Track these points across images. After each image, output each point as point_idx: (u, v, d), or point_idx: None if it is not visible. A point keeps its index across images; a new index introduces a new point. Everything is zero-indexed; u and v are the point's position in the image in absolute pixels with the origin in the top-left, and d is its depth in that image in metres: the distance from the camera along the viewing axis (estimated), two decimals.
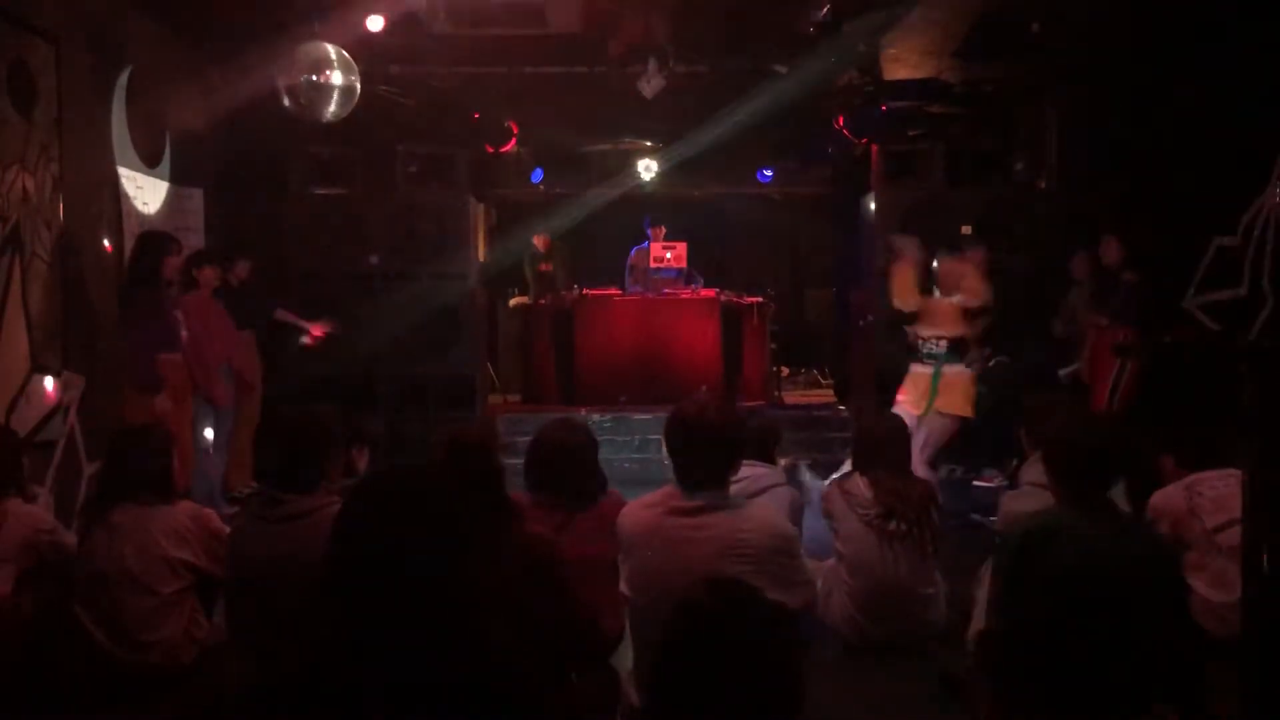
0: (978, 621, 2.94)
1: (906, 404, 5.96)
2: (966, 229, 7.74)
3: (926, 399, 5.94)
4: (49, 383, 5.04)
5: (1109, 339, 6.27)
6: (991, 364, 7.09)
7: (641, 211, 9.70)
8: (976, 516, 6.03)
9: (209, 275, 6.18)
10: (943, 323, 6.04)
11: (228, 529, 3.44)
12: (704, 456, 2.72)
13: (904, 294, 6.10)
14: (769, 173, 11.09)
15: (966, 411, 5.93)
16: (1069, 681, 2.49)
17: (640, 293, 9.03)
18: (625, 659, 3.09)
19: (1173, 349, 5.85)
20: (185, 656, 3.35)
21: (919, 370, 6.05)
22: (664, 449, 2.81)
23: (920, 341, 6.06)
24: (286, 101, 5.78)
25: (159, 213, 6.31)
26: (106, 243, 5.72)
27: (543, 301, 9.22)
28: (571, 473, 3.40)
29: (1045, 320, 7.07)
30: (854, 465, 4.00)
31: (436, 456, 3.17)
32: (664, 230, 9.19)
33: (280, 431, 2.99)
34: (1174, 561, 2.70)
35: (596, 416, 7.63)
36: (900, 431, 4.09)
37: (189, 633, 3.38)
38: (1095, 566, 2.53)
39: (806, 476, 5.83)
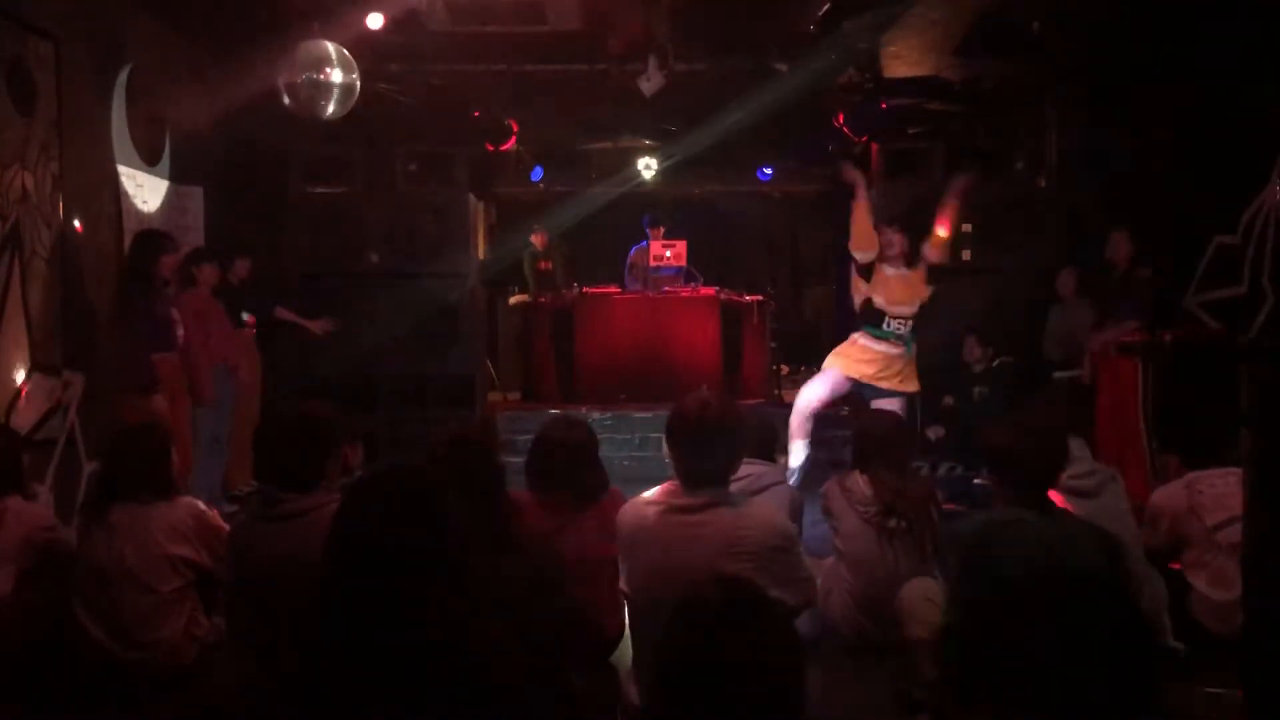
0: (929, 665, 2.98)
1: (873, 378, 5.85)
2: (967, 227, 7.75)
3: (899, 381, 5.89)
4: (49, 381, 5.04)
5: (1117, 339, 6.17)
6: (996, 364, 7.09)
7: (641, 210, 9.70)
8: (956, 508, 6.05)
9: (207, 273, 6.18)
10: (902, 298, 5.89)
11: (227, 526, 3.45)
12: (706, 453, 2.72)
13: (861, 237, 5.84)
14: (769, 171, 11.09)
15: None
16: (1032, 676, 2.51)
17: (640, 291, 9.03)
18: (625, 657, 3.09)
19: (1173, 348, 5.84)
20: (186, 656, 3.34)
21: (887, 350, 5.85)
22: (664, 446, 2.81)
23: (888, 321, 5.85)
24: (287, 100, 5.78)
25: (159, 211, 6.30)
26: (106, 241, 5.72)
27: (542, 300, 9.22)
28: (573, 470, 3.40)
29: (1045, 319, 7.05)
30: (853, 463, 4.00)
31: (437, 455, 3.17)
32: (663, 230, 9.19)
33: (280, 430, 2.99)
34: (1119, 550, 2.75)
35: (596, 414, 7.63)
36: (900, 430, 4.09)
37: (189, 632, 3.37)
38: (1045, 557, 2.61)
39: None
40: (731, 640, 1.69)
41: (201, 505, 3.56)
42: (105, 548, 3.29)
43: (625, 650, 3.12)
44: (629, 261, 9.41)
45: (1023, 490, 2.82)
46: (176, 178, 6.52)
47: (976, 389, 7.20)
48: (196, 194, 6.78)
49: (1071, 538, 2.69)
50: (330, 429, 2.99)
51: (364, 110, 6.24)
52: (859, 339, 5.95)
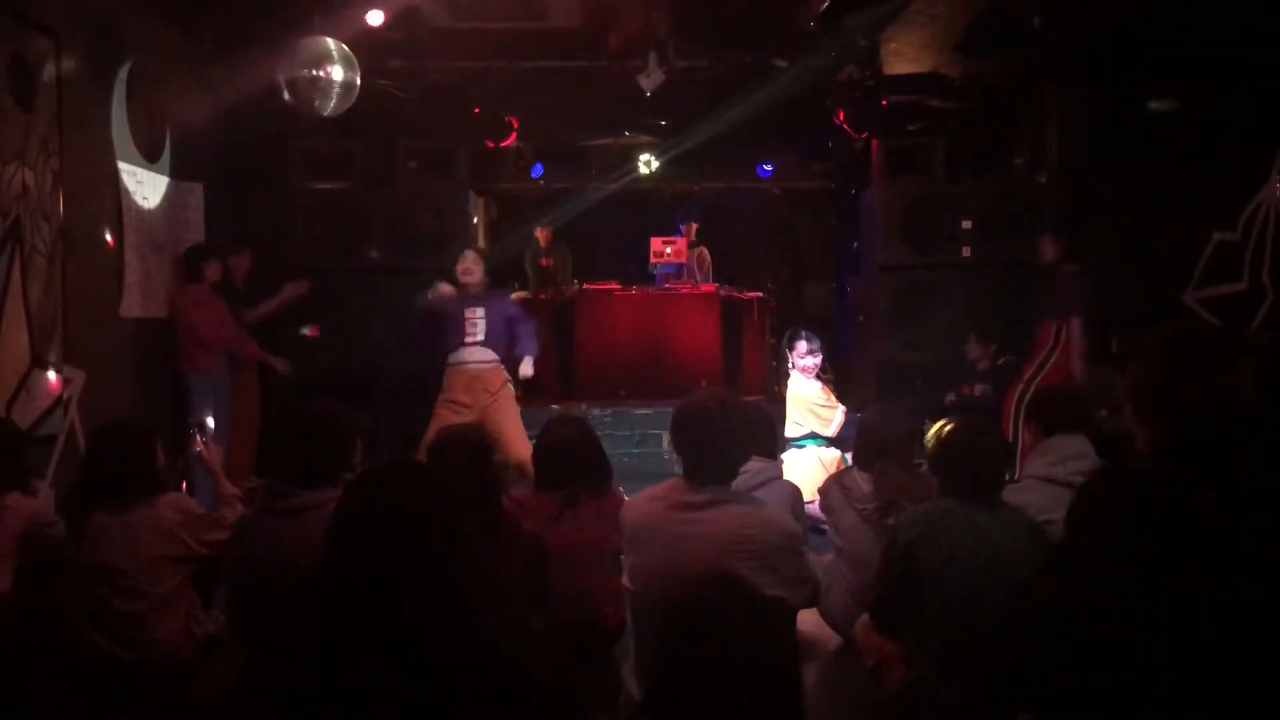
0: (887, 683, 3.03)
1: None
2: (967, 224, 7.74)
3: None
4: (49, 377, 5.04)
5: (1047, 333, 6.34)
6: (1000, 362, 7.08)
7: (641, 206, 9.70)
8: None
9: (212, 269, 6.23)
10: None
11: (202, 509, 3.45)
12: (714, 450, 2.72)
13: None
14: (769, 167, 11.09)
15: None
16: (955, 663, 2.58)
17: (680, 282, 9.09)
18: (627, 651, 3.10)
19: (1173, 345, 5.83)
20: (185, 653, 3.32)
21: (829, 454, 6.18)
22: (665, 442, 2.82)
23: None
24: (287, 96, 5.77)
25: (159, 207, 6.31)
26: (107, 238, 5.72)
27: (543, 296, 9.22)
28: (574, 466, 3.42)
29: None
30: (855, 461, 4.00)
31: (434, 454, 3.18)
32: (696, 226, 9.25)
33: (295, 425, 2.97)
34: (1046, 540, 2.82)
35: (596, 411, 7.63)
36: (905, 427, 4.08)
37: (187, 629, 3.34)
38: (975, 541, 2.72)
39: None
40: (726, 637, 1.70)
41: (181, 497, 3.50)
42: (92, 553, 3.23)
43: (627, 643, 3.12)
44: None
45: (968, 488, 2.87)
46: (177, 174, 6.52)
47: (979, 387, 7.18)
48: (196, 190, 6.78)
49: (1005, 532, 2.76)
50: (344, 426, 2.99)
51: (364, 106, 6.24)
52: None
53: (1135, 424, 2.23)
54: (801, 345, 6.46)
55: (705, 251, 9.53)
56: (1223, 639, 1.69)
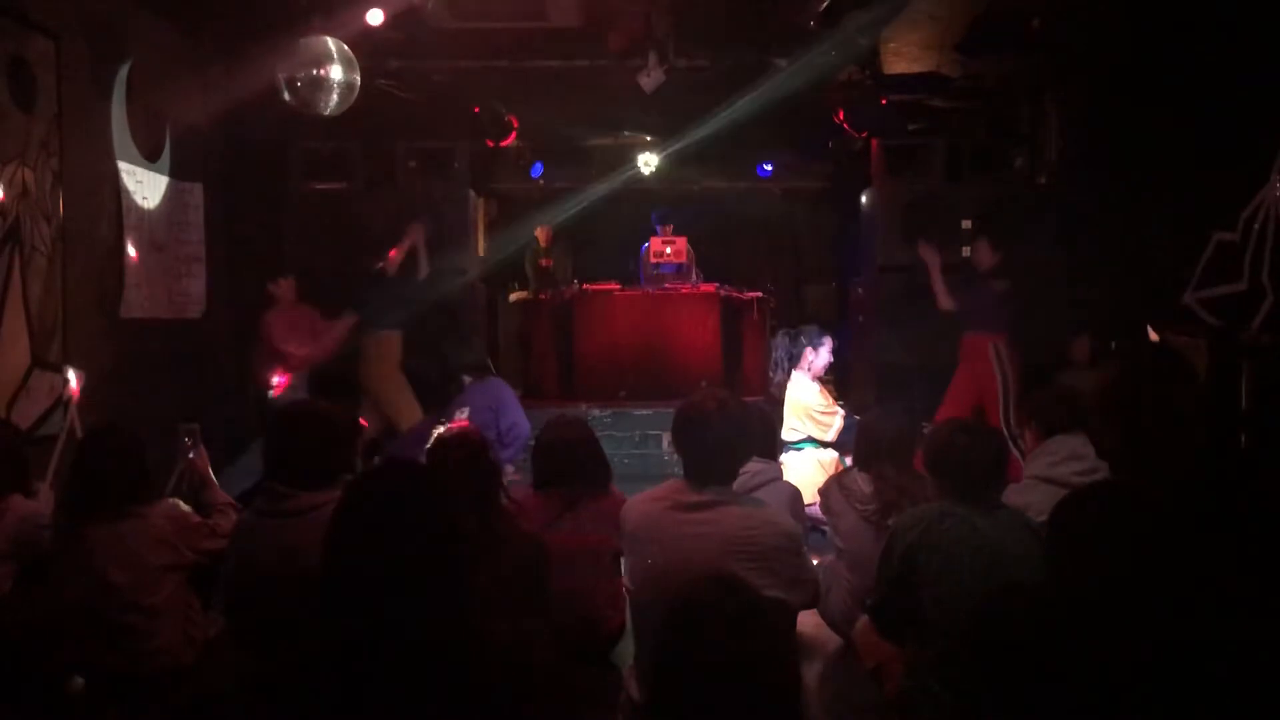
0: (889, 685, 3.03)
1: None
2: (966, 224, 7.74)
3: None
4: (50, 377, 5.04)
5: (980, 347, 6.28)
6: None
7: (641, 205, 9.69)
8: None
9: (284, 287, 6.58)
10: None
11: (198, 517, 3.42)
12: (714, 451, 2.72)
13: None
14: (769, 167, 11.09)
15: None
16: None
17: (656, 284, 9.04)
18: (627, 653, 3.10)
19: (1130, 357, 5.84)
20: (185, 657, 3.30)
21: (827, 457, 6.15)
22: (665, 443, 2.82)
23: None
24: (287, 96, 5.77)
25: (159, 207, 6.31)
26: (107, 238, 5.72)
27: (543, 296, 9.22)
28: (572, 467, 3.43)
29: (1045, 315, 7.02)
30: (855, 462, 4.00)
31: (433, 454, 3.18)
32: (671, 229, 9.22)
33: (295, 426, 2.97)
34: (1040, 539, 2.82)
35: (596, 411, 7.63)
36: (906, 428, 4.07)
37: (186, 633, 3.32)
38: (974, 543, 2.74)
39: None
40: (726, 638, 1.70)
41: (173, 505, 3.45)
42: (86, 569, 3.18)
43: (628, 644, 3.13)
44: (642, 259, 9.42)
45: (961, 489, 2.87)
46: (176, 174, 6.52)
47: None
48: (196, 190, 6.78)
49: (1004, 533, 2.76)
50: (345, 427, 2.99)
51: (364, 106, 6.24)
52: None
53: (1097, 429, 2.28)
54: (829, 341, 6.32)
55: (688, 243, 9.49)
56: (1192, 642, 1.71)
